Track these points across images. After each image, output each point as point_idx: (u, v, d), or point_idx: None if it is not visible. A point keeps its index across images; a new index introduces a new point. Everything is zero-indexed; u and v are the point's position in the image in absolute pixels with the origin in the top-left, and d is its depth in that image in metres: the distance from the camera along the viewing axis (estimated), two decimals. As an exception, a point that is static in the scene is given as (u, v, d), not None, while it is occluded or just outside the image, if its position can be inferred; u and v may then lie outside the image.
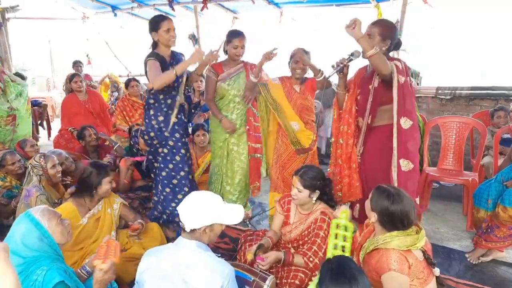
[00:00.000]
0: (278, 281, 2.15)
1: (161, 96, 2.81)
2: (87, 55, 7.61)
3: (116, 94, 6.28)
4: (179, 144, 2.87)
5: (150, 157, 3.00)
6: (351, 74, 2.58)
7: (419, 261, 1.69)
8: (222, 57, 3.07)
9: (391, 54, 2.42)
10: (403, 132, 2.23)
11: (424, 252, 1.74)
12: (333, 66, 2.37)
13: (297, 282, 2.10)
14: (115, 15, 6.72)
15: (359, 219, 2.51)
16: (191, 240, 1.66)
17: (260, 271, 2.12)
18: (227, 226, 3.11)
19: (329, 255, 1.98)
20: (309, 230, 2.29)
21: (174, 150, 2.86)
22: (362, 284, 1.36)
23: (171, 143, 2.85)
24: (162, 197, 2.94)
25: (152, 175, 3.09)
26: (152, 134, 2.84)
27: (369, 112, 2.39)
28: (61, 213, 1.80)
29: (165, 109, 2.81)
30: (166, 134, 2.83)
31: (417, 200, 2.43)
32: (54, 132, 5.80)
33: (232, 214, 1.73)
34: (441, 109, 4.71)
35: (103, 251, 1.72)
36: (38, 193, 2.65)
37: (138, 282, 1.70)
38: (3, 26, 6.62)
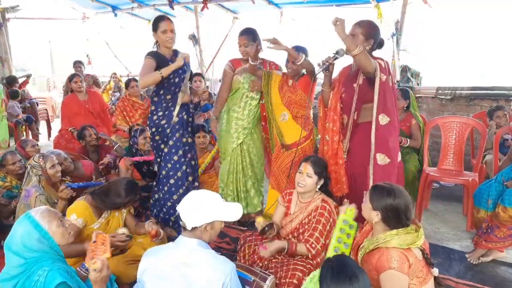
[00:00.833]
0: (277, 281, 2.16)
1: (161, 92, 2.84)
2: (87, 55, 7.61)
3: (117, 94, 6.28)
4: (178, 144, 2.87)
5: (154, 151, 3.01)
6: (335, 73, 2.65)
7: (418, 260, 1.69)
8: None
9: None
10: (380, 127, 2.35)
11: (423, 251, 1.74)
12: (319, 64, 2.48)
13: (295, 281, 2.11)
14: (115, 15, 6.73)
15: None
16: (191, 239, 1.66)
17: (260, 271, 2.12)
18: (228, 226, 3.13)
19: (331, 248, 2.00)
20: (309, 217, 2.35)
21: (173, 150, 2.87)
22: (363, 282, 1.37)
23: (171, 142, 2.86)
24: (161, 195, 2.96)
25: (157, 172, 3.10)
26: (154, 129, 2.87)
27: (355, 109, 2.47)
28: (61, 214, 1.79)
29: (164, 105, 2.83)
30: (168, 131, 2.84)
31: None
32: (54, 132, 5.81)
33: (231, 211, 1.75)
34: (441, 109, 4.71)
35: (94, 248, 1.71)
36: (37, 193, 2.65)
37: (139, 281, 1.70)
38: (3, 26, 6.63)
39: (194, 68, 6.57)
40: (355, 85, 2.45)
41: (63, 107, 4.87)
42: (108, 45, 7.73)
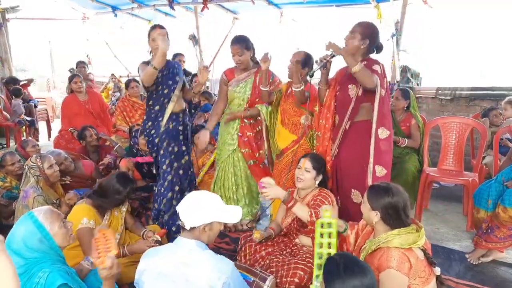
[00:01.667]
0: (278, 280, 2.16)
1: (150, 102, 2.90)
2: (87, 56, 7.61)
3: (117, 94, 6.28)
4: (166, 153, 2.90)
5: (154, 155, 3.04)
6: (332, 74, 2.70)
7: (420, 260, 1.69)
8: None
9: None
10: (379, 141, 2.41)
11: (424, 251, 1.74)
12: (316, 62, 2.53)
13: (296, 280, 2.12)
14: (115, 15, 6.73)
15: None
16: (190, 239, 1.66)
17: (260, 271, 2.13)
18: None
19: (316, 254, 1.97)
20: (308, 203, 2.38)
21: (163, 159, 2.91)
22: (370, 278, 1.39)
23: (161, 152, 2.90)
24: (157, 197, 3.02)
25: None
26: (146, 138, 2.95)
27: (352, 109, 2.51)
28: (63, 215, 1.79)
29: (153, 115, 2.87)
30: (156, 141, 2.89)
31: None
32: (54, 132, 5.81)
33: (231, 213, 1.75)
34: (441, 109, 4.70)
35: (100, 246, 1.69)
36: (35, 194, 2.64)
37: (137, 282, 1.70)
38: (4, 27, 6.63)
39: (194, 68, 6.57)
40: (353, 93, 2.49)
41: (63, 108, 4.87)
42: (108, 45, 7.73)
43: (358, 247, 2.00)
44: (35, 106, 6.61)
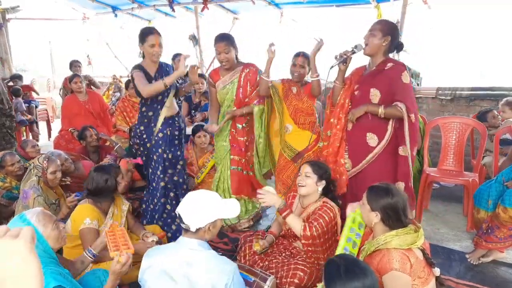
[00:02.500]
0: (277, 281, 2.16)
1: (143, 109, 2.89)
2: (88, 56, 7.61)
3: (117, 94, 6.28)
4: (160, 160, 2.89)
5: (144, 158, 3.04)
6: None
7: (419, 260, 1.69)
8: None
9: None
10: (412, 159, 2.39)
11: (423, 251, 1.74)
12: (336, 57, 2.43)
13: (296, 281, 2.11)
14: (116, 15, 6.73)
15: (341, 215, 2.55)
16: (192, 239, 1.67)
17: (260, 271, 2.12)
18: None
19: (341, 247, 1.97)
20: (309, 220, 2.30)
21: (156, 165, 2.90)
22: (371, 279, 1.39)
23: (154, 157, 2.89)
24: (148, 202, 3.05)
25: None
26: (137, 141, 2.94)
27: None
28: (56, 217, 1.79)
29: (146, 121, 2.86)
30: (148, 145, 2.88)
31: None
32: (54, 132, 5.81)
33: (230, 208, 1.76)
34: (441, 109, 4.70)
35: (115, 239, 1.73)
36: (35, 194, 2.64)
37: (140, 281, 1.70)
38: (4, 27, 6.63)
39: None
40: (374, 97, 2.41)
41: (63, 108, 4.88)
42: (108, 46, 7.72)
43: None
44: (36, 107, 6.62)
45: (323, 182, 2.32)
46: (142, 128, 2.89)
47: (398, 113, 2.32)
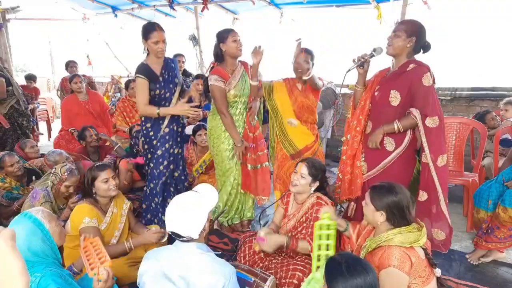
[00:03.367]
0: (277, 282, 2.16)
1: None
2: (88, 56, 7.61)
3: (117, 95, 6.29)
4: (166, 155, 2.90)
5: (145, 158, 3.04)
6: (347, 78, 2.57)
7: (421, 259, 1.69)
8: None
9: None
10: (440, 169, 2.44)
11: (425, 250, 1.74)
12: (354, 60, 2.36)
13: (295, 281, 2.11)
14: (116, 16, 6.72)
15: (354, 218, 2.54)
16: (190, 242, 1.66)
17: (260, 272, 2.12)
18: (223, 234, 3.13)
19: (315, 256, 1.98)
20: (306, 215, 2.34)
21: (160, 160, 2.90)
22: (372, 276, 1.39)
23: (159, 152, 2.89)
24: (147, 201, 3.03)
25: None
26: (142, 139, 2.92)
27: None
28: (56, 216, 1.79)
29: (153, 118, 2.85)
30: (154, 143, 2.88)
31: None
32: (54, 133, 5.81)
33: (210, 199, 1.75)
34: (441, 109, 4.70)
35: (90, 256, 1.67)
36: (43, 200, 2.65)
37: (139, 284, 1.70)
38: (4, 27, 6.62)
39: (194, 69, 6.57)
40: (394, 100, 2.34)
41: (63, 108, 4.88)
42: (108, 46, 7.73)
43: (358, 246, 2.00)
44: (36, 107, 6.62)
45: (317, 183, 2.33)
46: (149, 125, 2.88)
47: (414, 122, 2.29)
